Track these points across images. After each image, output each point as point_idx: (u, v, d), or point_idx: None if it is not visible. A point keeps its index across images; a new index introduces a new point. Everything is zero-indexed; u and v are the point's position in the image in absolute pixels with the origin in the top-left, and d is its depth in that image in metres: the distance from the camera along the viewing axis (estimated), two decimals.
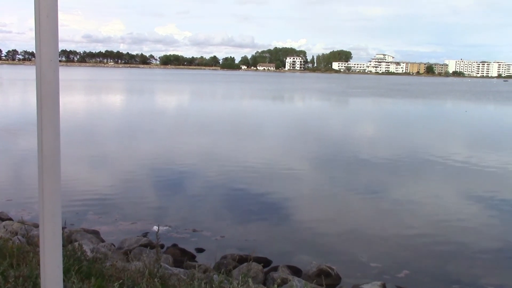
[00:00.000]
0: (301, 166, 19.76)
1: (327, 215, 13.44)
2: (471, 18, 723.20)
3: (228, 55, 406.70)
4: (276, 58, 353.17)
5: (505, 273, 9.87)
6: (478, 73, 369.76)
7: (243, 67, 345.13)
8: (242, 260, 9.34)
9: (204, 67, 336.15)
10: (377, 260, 10.22)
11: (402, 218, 13.28)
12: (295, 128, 33.56)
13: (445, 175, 18.77)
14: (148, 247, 9.42)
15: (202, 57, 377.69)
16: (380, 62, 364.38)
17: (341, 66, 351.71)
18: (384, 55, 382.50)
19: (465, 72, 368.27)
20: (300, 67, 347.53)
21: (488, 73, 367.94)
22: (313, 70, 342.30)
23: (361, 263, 10.06)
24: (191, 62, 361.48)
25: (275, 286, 5.43)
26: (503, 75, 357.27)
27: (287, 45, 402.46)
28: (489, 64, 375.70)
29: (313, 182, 17.30)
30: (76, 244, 6.48)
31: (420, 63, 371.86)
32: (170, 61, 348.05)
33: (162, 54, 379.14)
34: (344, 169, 19.38)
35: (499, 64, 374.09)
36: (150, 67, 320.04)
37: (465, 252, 10.94)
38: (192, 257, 9.92)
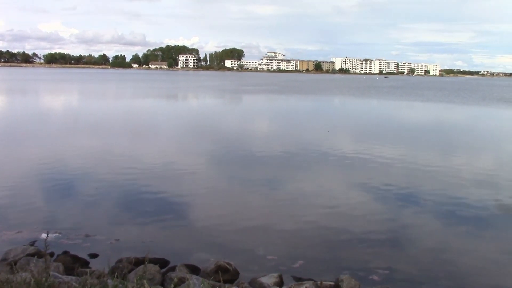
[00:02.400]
0: (196, 164, 19.68)
1: (224, 211, 13.51)
2: (354, 18, 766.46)
3: (119, 53, 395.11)
4: (168, 56, 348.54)
5: (391, 256, 10.56)
6: (362, 70, 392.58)
7: (135, 65, 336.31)
8: (138, 262, 9.12)
9: (93, 66, 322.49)
10: (273, 252, 10.47)
11: (296, 210, 13.72)
12: (189, 126, 33.36)
13: (334, 167, 19.69)
14: (36, 256, 8.84)
15: (90, 55, 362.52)
16: (271, 59, 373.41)
17: (234, 64, 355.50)
18: (275, 53, 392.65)
19: (350, 69, 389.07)
20: (193, 65, 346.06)
21: (370, 70, 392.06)
22: (206, 68, 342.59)
23: (258, 257, 10.25)
24: (79, 61, 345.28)
25: (172, 286, 5.35)
26: (384, 71, 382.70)
27: (180, 43, 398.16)
28: (371, 62, 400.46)
29: (209, 179, 17.30)
30: None
31: (309, 61, 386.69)
32: (55, 59, 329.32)
33: (46, 52, 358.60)
34: (239, 165, 19.61)
35: (380, 62, 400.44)
36: (33, 66, 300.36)
37: (354, 239, 11.55)
38: (85, 263, 9.50)
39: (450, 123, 40.82)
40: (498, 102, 70.37)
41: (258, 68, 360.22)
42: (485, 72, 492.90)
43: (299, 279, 9.07)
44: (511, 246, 11.44)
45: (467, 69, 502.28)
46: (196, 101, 62.56)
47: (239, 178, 17.56)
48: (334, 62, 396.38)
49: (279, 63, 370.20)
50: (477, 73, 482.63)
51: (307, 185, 16.57)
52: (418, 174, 18.58)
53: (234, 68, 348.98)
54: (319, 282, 8.42)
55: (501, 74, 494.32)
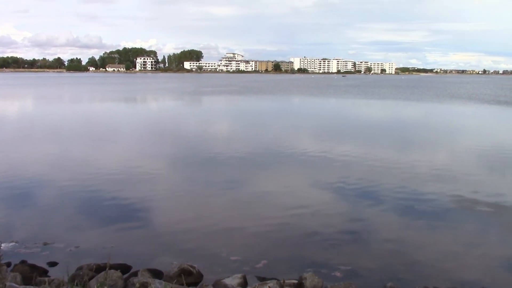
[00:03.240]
0: (157, 167, 19.47)
1: (186, 214, 13.43)
2: (312, 18, 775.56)
3: (74, 57, 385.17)
4: (126, 58, 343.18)
5: (353, 252, 10.74)
6: (320, 70, 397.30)
7: (91, 68, 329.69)
8: (99, 269, 8.96)
9: (47, 70, 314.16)
10: (237, 253, 10.47)
11: (259, 210, 13.77)
12: (149, 129, 32.99)
13: (295, 167, 19.85)
14: None
15: (45, 59, 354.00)
16: (230, 61, 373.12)
17: (193, 66, 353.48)
18: (234, 54, 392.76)
19: (308, 69, 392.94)
20: (151, 68, 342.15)
21: (328, 69, 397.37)
22: (165, 70, 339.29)
23: (222, 258, 10.23)
24: (33, 65, 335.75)
25: None
26: (341, 71, 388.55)
27: (137, 45, 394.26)
28: (329, 61, 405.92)
29: (171, 182, 17.16)
30: None
31: (268, 61, 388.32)
32: (7, 63, 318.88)
33: None
34: (201, 168, 19.50)
35: (338, 61, 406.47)
36: None
37: (317, 237, 11.69)
38: (44, 272, 9.26)
39: (406, 120, 41.79)
40: (451, 98, 72.58)
41: (218, 69, 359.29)
42: (439, 70, 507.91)
43: (262, 279, 9.10)
44: (465, 238, 11.83)
45: (421, 67, 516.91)
46: (156, 104, 61.90)
47: (201, 180, 17.47)
48: (292, 62, 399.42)
49: (238, 64, 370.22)
50: (431, 70, 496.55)
51: (269, 185, 16.65)
52: (378, 170, 18.95)
53: (193, 69, 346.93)
54: (282, 281, 8.47)
55: (453, 72, 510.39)
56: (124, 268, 9.40)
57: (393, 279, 9.24)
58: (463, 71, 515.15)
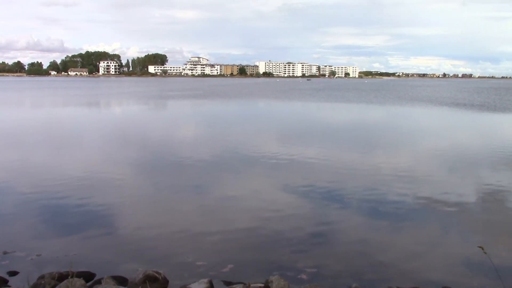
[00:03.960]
0: (121, 173, 19.20)
1: (151, 219, 13.28)
2: (276, 22, 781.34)
3: (35, 60, 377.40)
4: (88, 62, 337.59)
5: (318, 254, 10.83)
6: (285, 74, 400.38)
7: (53, 72, 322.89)
8: (62, 277, 8.76)
9: (6, 74, 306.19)
10: (203, 258, 10.42)
11: (225, 214, 13.74)
12: (113, 134, 32.52)
13: (261, 170, 19.89)
14: None
15: (4, 62, 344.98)
16: (195, 64, 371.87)
17: (158, 70, 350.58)
18: (199, 57, 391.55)
19: (274, 73, 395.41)
20: (115, 71, 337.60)
21: (293, 73, 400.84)
22: (129, 74, 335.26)
23: (188, 263, 10.16)
24: None
25: None
26: (306, 74, 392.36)
27: (100, 48, 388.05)
28: (294, 65, 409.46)
29: (135, 188, 16.95)
30: None
31: (233, 65, 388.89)
32: None
33: None
34: (165, 172, 19.34)
35: (303, 65, 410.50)
36: None
37: (283, 239, 11.74)
38: (4, 282, 8.99)
39: (370, 123, 42.47)
40: (413, 101, 74.22)
41: (183, 73, 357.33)
42: (401, 73, 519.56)
43: (229, 283, 9.09)
44: (427, 238, 12.09)
45: (384, 71, 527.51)
46: (120, 108, 61.01)
47: (167, 185, 17.32)
48: (258, 66, 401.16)
49: (203, 68, 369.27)
50: (393, 74, 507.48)
51: (236, 189, 16.64)
52: (343, 173, 19.20)
53: (158, 73, 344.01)
54: (248, 285, 8.48)
55: (415, 75, 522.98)
56: (87, 276, 9.23)
57: (358, 280, 9.37)
58: (424, 75, 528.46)
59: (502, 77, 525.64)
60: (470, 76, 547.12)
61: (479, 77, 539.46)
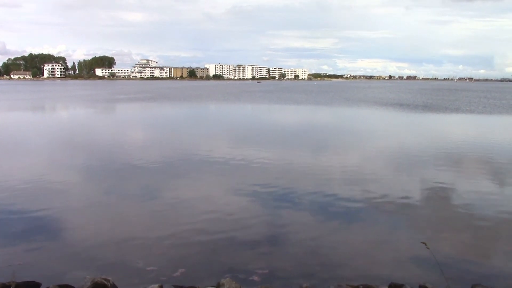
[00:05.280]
0: (68, 179, 18.66)
1: (99, 226, 12.98)
2: (225, 25, 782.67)
3: None
4: (32, 65, 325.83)
5: (270, 255, 10.90)
6: (235, 76, 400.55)
7: None
8: None
9: None
10: (153, 263, 10.28)
11: (175, 218, 13.61)
12: (59, 139, 31.54)
13: (212, 173, 19.82)
14: None
15: None
16: (144, 67, 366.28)
17: (105, 72, 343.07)
18: (148, 60, 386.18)
19: (224, 75, 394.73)
20: (60, 74, 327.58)
21: (244, 76, 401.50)
22: (75, 77, 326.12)
23: (138, 269, 10.00)
24: None
25: None
26: (256, 77, 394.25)
27: (45, 51, 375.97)
28: (244, 67, 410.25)
29: (82, 194, 16.51)
30: None
31: (183, 68, 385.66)
32: None
33: None
34: (114, 177, 18.96)
35: (253, 67, 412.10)
36: None
37: (234, 242, 11.74)
38: None
39: (318, 124, 43.15)
40: (359, 102, 76.00)
41: (131, 76, 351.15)
42: (349, 76, 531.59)
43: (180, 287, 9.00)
44: (375, 236, 12.40)
45: (332, 73, 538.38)
46: (66, 113, 59.29)
47: (115, 190, 16.96)
48: (208, 69, 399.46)
49: (152, 70, 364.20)
50: (341, 76, 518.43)
51: (185, 193, 16.51)
52: (292, 174, 19.40)
53: (106, 76, 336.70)
54: None
55: (362, 77, 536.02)
56: (32, 286, 8.91)
57: (309, 279, 9.49)
58: (371, 77, 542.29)
59: (444, 79, 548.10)
60: (415, 78, 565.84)
61: (423, 78, 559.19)
